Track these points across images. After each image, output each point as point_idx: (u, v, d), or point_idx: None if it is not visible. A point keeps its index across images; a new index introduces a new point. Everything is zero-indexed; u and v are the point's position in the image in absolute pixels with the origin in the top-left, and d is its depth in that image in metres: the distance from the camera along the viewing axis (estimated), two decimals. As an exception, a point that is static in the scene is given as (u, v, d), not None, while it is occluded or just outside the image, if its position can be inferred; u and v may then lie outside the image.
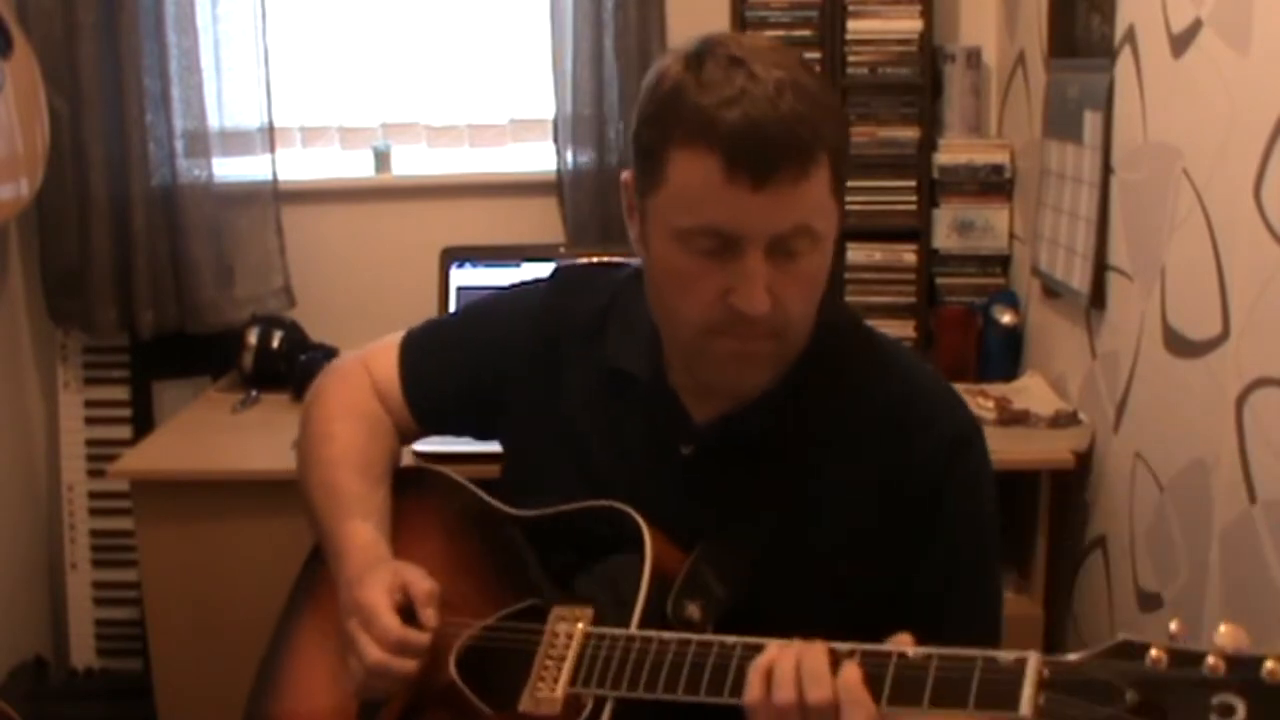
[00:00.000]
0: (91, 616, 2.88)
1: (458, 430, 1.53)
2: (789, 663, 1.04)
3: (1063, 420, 2.25)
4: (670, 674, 1.12)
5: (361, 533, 1.36)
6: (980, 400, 2.38)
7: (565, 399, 1.37)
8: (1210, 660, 0.88)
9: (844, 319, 1.34)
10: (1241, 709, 0.87)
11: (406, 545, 1.37)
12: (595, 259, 1.45)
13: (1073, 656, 0.95)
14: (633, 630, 1.17)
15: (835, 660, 1.04)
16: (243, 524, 2.25)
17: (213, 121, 2.75)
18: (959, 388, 2.40)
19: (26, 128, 2.47)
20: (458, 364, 1.46)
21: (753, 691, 1.05)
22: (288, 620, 1.47)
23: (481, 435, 1.49)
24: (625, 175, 1.25)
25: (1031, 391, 2.44)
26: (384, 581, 1.27)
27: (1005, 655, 0.98)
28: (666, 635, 1.15)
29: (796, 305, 1.17)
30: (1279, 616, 1.54)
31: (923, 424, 1.26)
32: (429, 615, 1.25)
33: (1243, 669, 0.88)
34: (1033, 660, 0.96)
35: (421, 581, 1.27)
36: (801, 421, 1.26)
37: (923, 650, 1.02)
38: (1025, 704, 0.94)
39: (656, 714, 1.15)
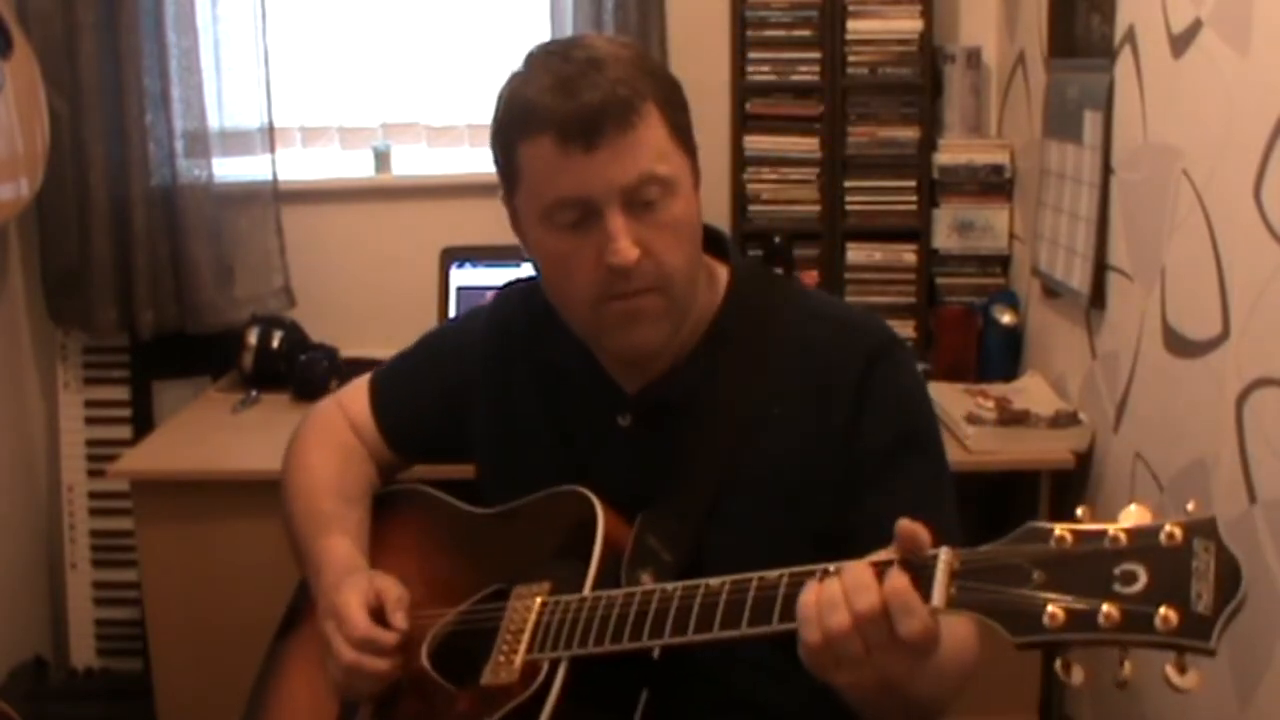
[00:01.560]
0: (91, 616, 2.87)
1: (434, 453, 1.59)
2: (834, 586, 1.01)
3: (1063, 420, 2.25)
4: (617, 625, 1.15)
5: (337, 547, 1.40)
6: (980, 400, 2.38)
7: (517, 398, 1.43)
8: (1111, 533, 0.91)
9: (753, 270, 1.40)
10: (1143, 575, 0.89)
11: (385, 559, 1.42)
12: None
13: (984, 547, 0.98)
14: (585, 593, 1.21)
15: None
16: (243, 524, 2.25)
17: (213, 121, 2.75)
18: (959, 388, 2.45)
19: (26, 128, 2.47)
20: (422, 389, 1.53)
21: (809, 632, 1.01)
22: (277, 645, 1.51)
23: (457, 454, 1.54)
24: (500, 195, 1.33)
25: (1031, 391, 2.44)
26: (358, 586, 1.31)
27: (920, 554, 1.00)
28: (615, 592, 1.19)
29: (669, 254, 1.23)
30: (1279, 617, 1.54)
31: (841, 343, 1.31)
32: (398, 618, 1.29)
33: (1142, 537, 0.91)
34: (944, 554, 0.99)
35: (392, 588, 1.31)
36: (728, 374, 1.31)
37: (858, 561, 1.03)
38: (937, 595, 0.97)
39: (614, 677, 1.18)
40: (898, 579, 0.98)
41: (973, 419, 2.27)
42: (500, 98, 1.28)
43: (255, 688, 1.49)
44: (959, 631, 1.19)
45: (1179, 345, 1.85)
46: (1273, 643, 1.56)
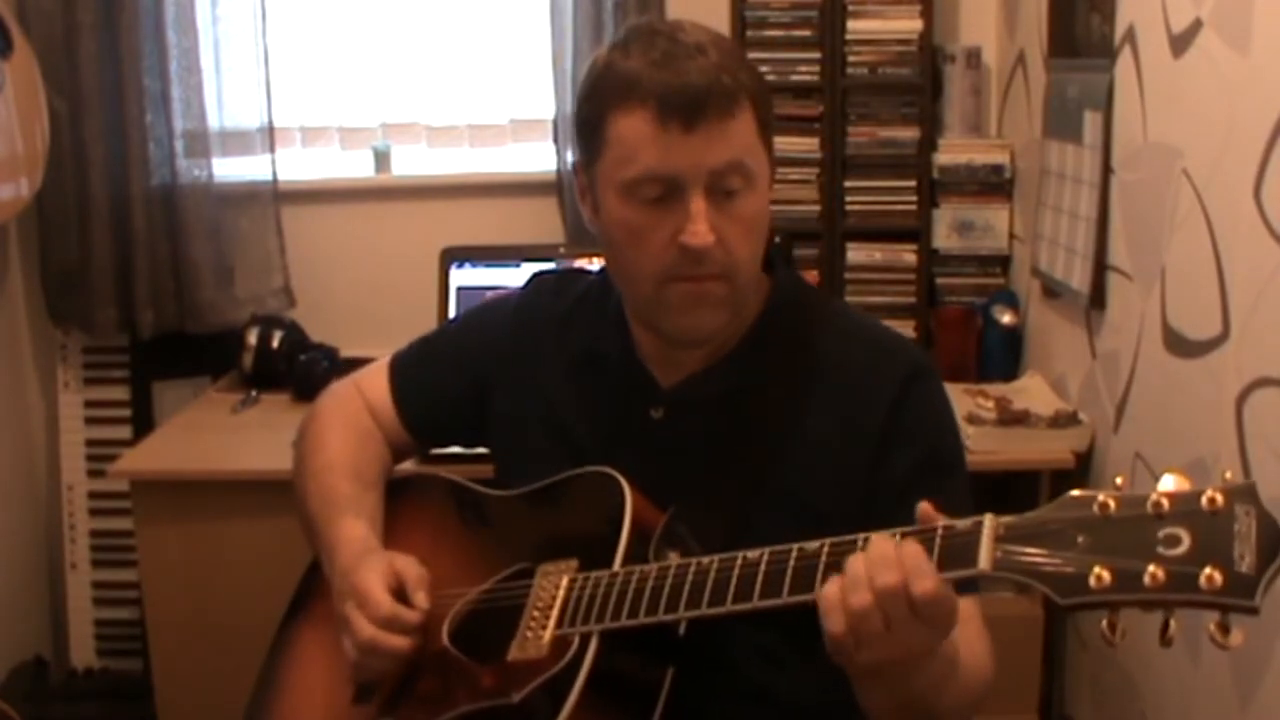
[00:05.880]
0: (91, 616, 2.88)
1: (451, 438, 1.62)
2: (857, 565, 1.03)
3: (1063, 420, 2.25)
4: (652, 598, 1.16)
5: (353, 529, 1.40)
6: (980, 400, 2.38)
7: (544, 386, 1.44)
8: (1153, 498, 0.93)
9: (793, 281, 1.42)
10: (1186, 538, 0.91)
11: (400, 543, 1.41)
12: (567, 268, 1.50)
13: (1027, 514, 1.01)
14: (616, 568, 1.22)
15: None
16: (243, 524, 2.26)
17: (213, 121, 2.76)
18: (959, 388, 2.45)
19: (26, 128, 2.47)
20: (445, 374, 1.53)
21: (834, 622, 1.02)
22: (286, 627, 1.51)
23: (473, 440, 1.56)
24: (574, 161, 1.35)
25: (1031, 391, 2.44)
26: (377, 567, 1.31)
27: (962, 521, 1.03)
28: (648, 567, 1.19)
29: (740, 245, 1.26)
30: (1279, 616, 1.54)
31: (877, 365, 1.33)
32: (420, 598, 1.29)
33: (1183, 503, 0.93)
34: (988, 520, 1.01)
35: (413, 567, 1.31)
36: (762, 378, 1.33)
37: (885, 532, 1.05)
38: (984, 559, 0.99)
39: (642, 654, 1.19)
40: (910, 546, 1.02)
41: (973, 419, 2.27)
42: (594, 67, 1.29)
43: (264, 669, 1.48)
44: (976, 651, 1.23)
45: (1179, 345, 1.85)
46: (1273, 643, 1.56)
